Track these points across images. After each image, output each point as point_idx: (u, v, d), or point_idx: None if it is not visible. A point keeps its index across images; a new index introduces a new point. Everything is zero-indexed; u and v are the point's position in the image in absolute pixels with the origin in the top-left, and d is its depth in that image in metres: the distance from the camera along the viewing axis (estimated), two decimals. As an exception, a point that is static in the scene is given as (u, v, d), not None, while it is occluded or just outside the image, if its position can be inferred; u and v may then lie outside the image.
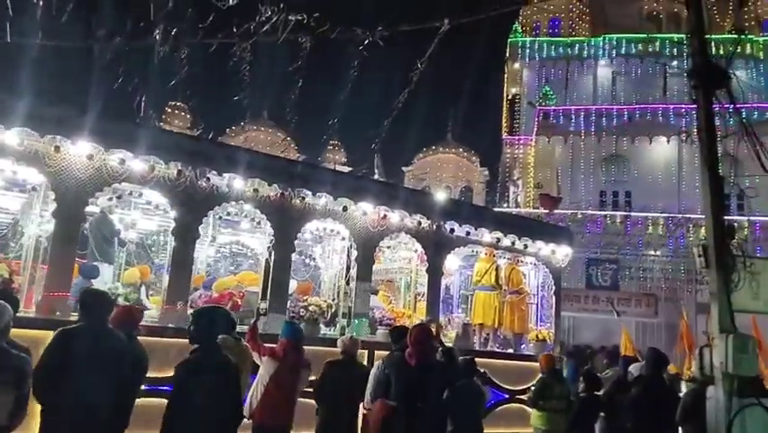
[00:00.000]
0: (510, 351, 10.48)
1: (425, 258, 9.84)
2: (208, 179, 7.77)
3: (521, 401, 9.23)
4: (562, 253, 11.00)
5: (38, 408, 4.23)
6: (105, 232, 8.60)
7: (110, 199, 8.39)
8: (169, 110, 36.97)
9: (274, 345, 6.09)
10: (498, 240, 10.29)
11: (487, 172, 38.81)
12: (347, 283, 9.55)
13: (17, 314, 6.25)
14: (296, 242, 8.67)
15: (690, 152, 27.92)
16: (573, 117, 31.00)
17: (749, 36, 30.53)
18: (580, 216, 27.64)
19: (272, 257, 8.45)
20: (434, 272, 9.82)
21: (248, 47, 7.74)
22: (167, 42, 7.35)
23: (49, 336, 4.39)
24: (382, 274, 11.76)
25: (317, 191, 8.55)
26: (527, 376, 9.43)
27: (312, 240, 10.80)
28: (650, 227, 27.32)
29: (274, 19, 7.16)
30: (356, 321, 8.92)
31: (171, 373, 4.43)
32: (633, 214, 28.17)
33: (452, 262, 10.97)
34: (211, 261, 11.11)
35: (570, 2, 35.42)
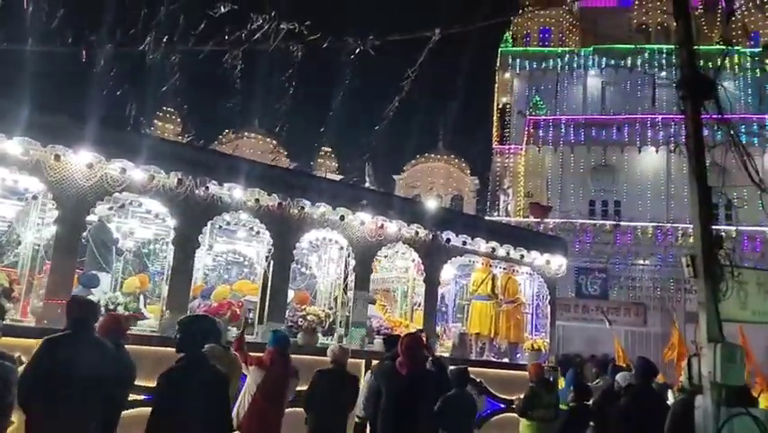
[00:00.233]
0: (506, 360, 10.52)
1: (422, 268, 9.91)
2: (208, 188, 7.80)
3: (517, 411, 9.27)
4: (556, 263, 11.09)
5: (23, 417, 4.18)
6: (104, 240, 8.61)
7: (110, 209, 8.43)
8: (161, 115, 36.85)
9: (261, 354, 6.07)
10: (494, 250, 10.36)
11: (477, 181, 38.92)
12: (344, 293, 9.59)
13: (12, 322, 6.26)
14: (294, 251, 8.71)
15: (678, 162, 28.11)
16: (563, 127, 31.17)
17: (737, 48, 30.87)
18: (569, 225, 27.76)
19: (271, 267, 8.47)
20: (431, 282, 9.87)
21: (239, 54, 7.76)
22: (158, 49, 7.35)
23: (45, 344, 4.37)
24: (379, 284, 11.80)
25: (316, 201, 8.61)
26: (523, 386, 9.42)
27: (308, 249, 10.82)
28: (639, 237, 27.47)
29: (265, 27, 7.19)
30: (354, 330, 8.94)
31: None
32: (622, 223, 28.33)
33: (448, 271, 11.03)
34: (208, 270, 11.07)
35: (560, 13, 35.69)
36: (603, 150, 30.76)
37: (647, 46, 32.66)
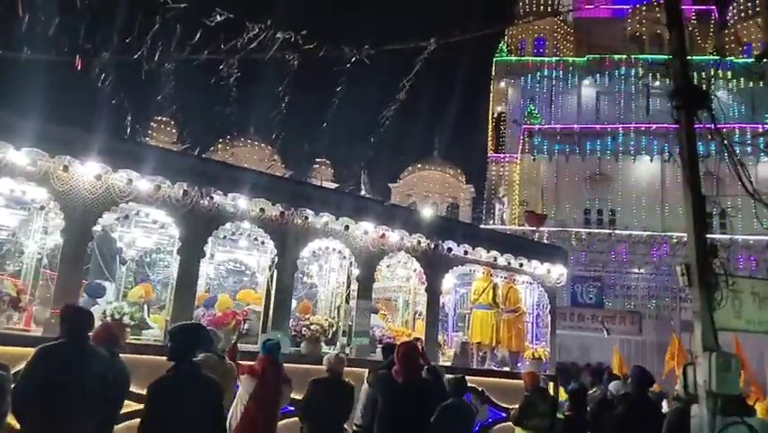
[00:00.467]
0: (507, 369, 10.55)
1: (424, 277, 9.94)
2: (213, 198, 7.83)
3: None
4: (557, 272, 11.14)
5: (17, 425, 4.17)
6: (107, 250, 8.64)
7: (117, 219, 8.47)
8: (155, 125, 36.84)
9: (252, 363, 6.05)
10: (495, 259, 10.41)
11: (473, 189, 39.04)
12: (347, 302, 9.63)
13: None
14: (298, 261, 8.76)
15: (673, 171, 28.24)
16: (558, 136, 31.30)
17: (730, 58, 31.10)
18: (565, 233, 27.81)
19: (274, 276, 8.50)
20: (433, 291, 9.91)
21: (235, 63, 7.79)
22: (154, 58, 7.37)
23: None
24: (380, 293, 11.84)
25: (319, 210, 8.64)
26: (525, 395, 9.50)
27: (308, 258, 10.86)
28: (634, 245, 27.54)
29: (261, 36, 7.22)
30: (356, 339, 8.97)
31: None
32: (617, 232, 28.41)
33: (448, 280, 11.07)
34: (210, 279, 11.05)
35: (554, 23, 35.91)
36: (598, 159, 30.90)
37: (641, 56, 32.89)
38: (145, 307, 8.25)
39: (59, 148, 6.85)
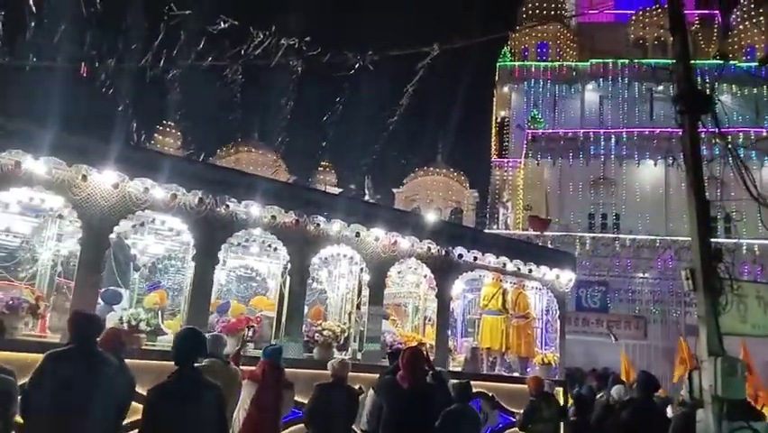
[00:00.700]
0: (516, 374, 10.56)
1: (434, 283, 9.98)
2: (228, 206, 7.91)
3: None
4: (565, 277, 11.18)
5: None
6: (123, 257, 8.74)
7: (133, 227, 8.53)
8: (160, 129, 37.00)
9: (253, 368, 6.08)
10: (504, 265, 10.46)
11: (476, 194, 39.03)
12: (358, 308, 9.70)
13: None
14: (310, 267, 8.83)
15: (676, 175, 28.21)
16: (561, 141, 31.31)
17: (733, 62, 31.06)
18: (569, 238, 27.75)
19: (287, 282, 8.58)
20: (443, 297, 9.95)
21: (239, 69, 7.84)
22: (158, 65, 7.42)
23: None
24: (390, 299, 11.90)
25: (331, 217, 8.71)
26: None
27: (318, 263, 10.90)
28: (638, 250, 27.46)
29: (266, 43, 7.26)
30: (368, 345, 9.02)
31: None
32: (621, 236, 28.35)
33: (457, 286, 11.07)
34: (221, 285, 11.06)
35: (557, 27, 35.96)
36: (601, 163, 30.89)
37: (644, 60, 32.88)
38: (159, 313, 8.31)
39: (77, 157, 6.93)
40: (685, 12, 6.27)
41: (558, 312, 11.16)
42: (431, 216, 12.36)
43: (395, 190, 39.34)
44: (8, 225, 8.53)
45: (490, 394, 9.39)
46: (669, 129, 28.53)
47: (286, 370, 6.32)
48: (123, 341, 5.40)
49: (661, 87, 31.05)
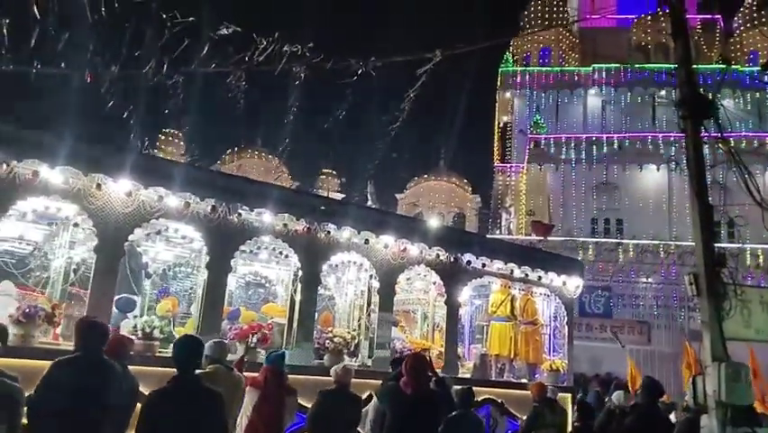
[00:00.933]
0: (525, 381, 10.56)
1: (444, 290, 10.03)
2: (240, 214, 7.97)
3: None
4: (573, 284, 11.22)
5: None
6: (135, 265, 8.76)
7: (148, 235, 8.58)
8: (163, 137, 37.10)
9: (256, 375, 6.07)
10: (512, 271, 10.50)
11: (479, 199, 39.05)
12: (368, 315, 9.73)
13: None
14: (321, 274, 8.90)
15: (679, 179, 28.25)
16: (564, 145, 31.37)
17: (736, 67, 31.10)
18: (572, 243, 27.76)
19: (298, 290, 8.65)
20: (452, 304, 10.00)
21: (242, 76, 7.88)
22: (161, 72, 7.47)
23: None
24: (399, 305, 11.92)
25: (341, 225, 8.77)
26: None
27: (326, 270, 10.95)
28: (641, 254, 27.45)
29: (269, 50, 7.30)
30: (378, 352, 9.06)
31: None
32: (624, 241, 28.35)
33: (464, 292, 11.11)
34: (230, 291, 11.10)
35: (559, 33, 36.06)
36: (604, 168, 30.93)
37: (646, 65, 32.96)
38: (171, 320, 8.37)
39: (92, 166, 7.00)
40: (687, 16, 6.25)
41: (566, 318, 11.19)
42: (434, 222, 12.43)
43: (397, 196, 39.40)
44: (21, 232, 8.61)
45: (499, 401, 9.42)
46: (671, 133, 28.60)
47: (297, 377, 6.35)
48: (127, 348, 5.43)
49: (663, 92, 31.15)
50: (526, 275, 10.63)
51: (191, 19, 7.76)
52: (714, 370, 5.00)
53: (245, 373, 6.22)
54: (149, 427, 4.02)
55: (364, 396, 6.90)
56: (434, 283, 10.63)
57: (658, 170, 30.29)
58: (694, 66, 6.06)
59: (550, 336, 11.39)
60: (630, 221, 30.05)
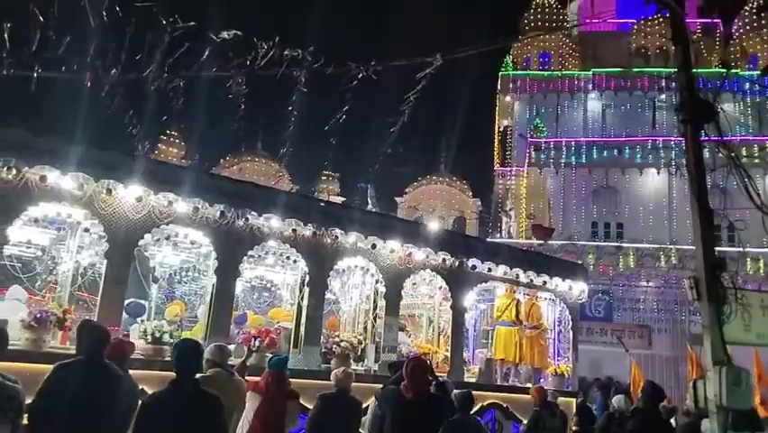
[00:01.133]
0: (529, 385, 10.58)
1: (449, 294, 10.11)
2: (248, 219, 8.04)
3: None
4: (578, 288, 11.31)
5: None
6: (142, 269, 8.86)
7: (157, 240, 8.65)
8: (164, 139, 37.18)
9: (258, 379, 6.06)
10: (518, 276, 10.57)
11: (479, 203, 39.08)
12: (374, 320, 9.78)
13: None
14: (328, 279, 8.97)
15: (680, 183, 28.28)
16: (564, 149, 31.40)
17: (736, 71, 31.17)
18: (572, 246, 27.79)
19: (306, 294, 8.71)
20: (458, 308, 10.07)
21: (243, 80, 7.92)
22: (161, 75, 7.50)
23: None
24: (404, 309, 11.96)
25: (348, 230, 8.84)
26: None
27: (331, 274, 10.98)
28: (642, 258, 27.47)
29: (269, 54, 7.33)
30: (385, 356, 9.09)
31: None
32: (624, 245, 28.37)
33: (469, 297, 11.16)
34: (237, 295, 11.13)
35: (559, 37, 36.13)
36: (605, 172, 30.96)
37: (646, 69, 33.05)
38: (180, 324, 8.42)
39: (103, 172, 7.08)
40: (687, 20, 6.23)
41: (570, 323, 11.26)
42: (437, 226, 12.47)
43: (397, 199, 39.42)
44: (29, 237, 8.64)
45: (505, 405, 9.50)
46: (672, 137, 28.67)
47: (304, 381, 6.35)
48: (127, 352, 5.45)
49: (663, 96, 31.21)
50: (531, 280, 10.70)
51: (192, 24, 7.80)
52: (715, 374, 4.98)
53: (248, 378, 6.22)
54: (147, 430, 4.01)
55: (369, 401, 6.88)
56: (440, 288, 10.70)
57: (658, 173, 30.32)
58: (694, 70, 6.03)
59: (555, 340, 11.44)
60: (630, 225, 30.07)
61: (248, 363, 6.83)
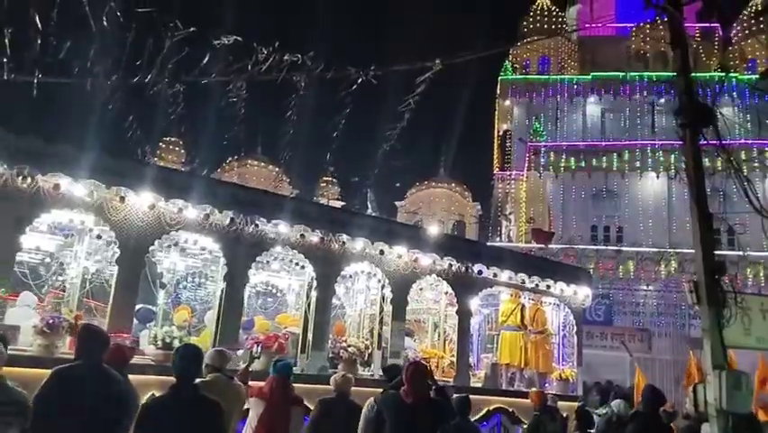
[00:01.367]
0: (534, 390, 10.64)
1: (455, 300, 10.16)
2: (257, 225, 8.11)
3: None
4: (582, 293, 11.35)
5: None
6: (150, 275, 8.85)
7: (168, 246, 8.70)
8: (164, 145, 37.22)
9: (261, 384, 6.03)
10: (523, 281, 10.63)
11: (479, 207, 39.13)
12: (380, 325, 9.81)
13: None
14: (335, 284, 9.05)
15: (679, 187, 28.37)
16: (564, 153, 31.49)
17: (735, 75, 31.32)
18: (572, 250, 27.86)
19: (313, 300, 8.77)
20: (464, 313, 10.12)
21: (243, 85, 7.97)
22: (161, 80, 7.54)
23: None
24: (409, 314, 11.99)
25: (355, 235, 8.92)
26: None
27: (339, 279, 11.06)
28: (641, 262, 27.54)
29: (270, 59, 7.38)
30: (391, 362, 9.02)
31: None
32: (624, 249, 28.43)
33: (474, 302, 11.22)
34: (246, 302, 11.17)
35: (558, 41, 36.29)
36: (604, 176, 31.04)
37: (645, 73, 33.20)
38: (189, 330, 8.48)
39: (115, 179, 7.14)
40: (686, 25, 6.27)
41: (575, 328, 11.29)
42: (436, 230, 12.56)
43: (397, 203, 39.50)
44: (38, 243, 8.68)
45: (510, 410, 9.54)
46: (671, 141, 28.75)
47: (311, 386, 6.36)
48: (127, 357, 5.46)
49: (662, 100, 31.34)
50: (536, 285, 10.76)
51: (192, 29, 7.85)
52: (714, 378, 4.97)
53: (251, 383, 6.22)
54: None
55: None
56: (446, 293, 10.77)
57: (657, 177, 30.43)
58: (693, 74, 6.01)
59: (559, 345, 11.48)
60: (630, 229, 30.15)
61: (251, 369, 6.80)
